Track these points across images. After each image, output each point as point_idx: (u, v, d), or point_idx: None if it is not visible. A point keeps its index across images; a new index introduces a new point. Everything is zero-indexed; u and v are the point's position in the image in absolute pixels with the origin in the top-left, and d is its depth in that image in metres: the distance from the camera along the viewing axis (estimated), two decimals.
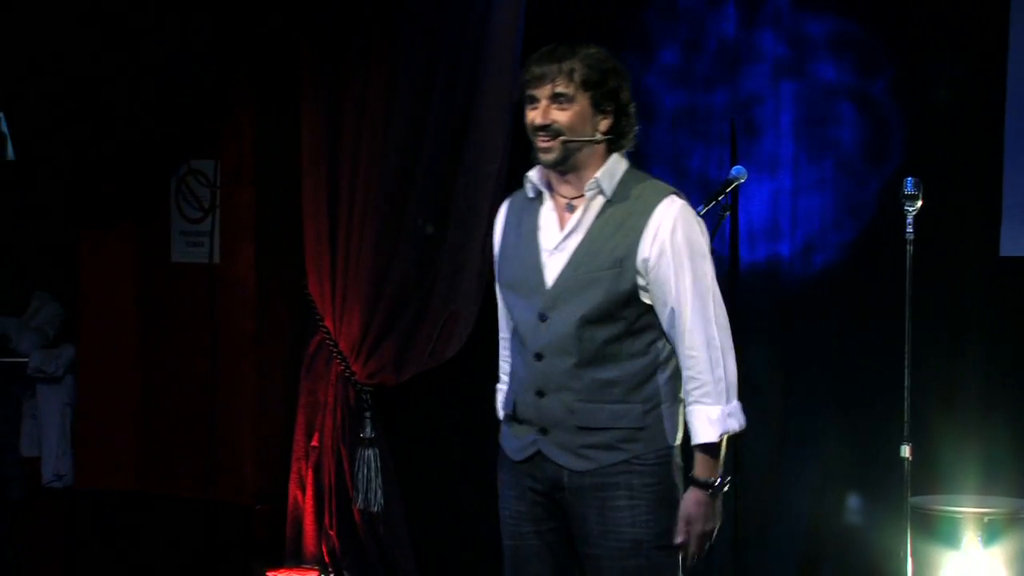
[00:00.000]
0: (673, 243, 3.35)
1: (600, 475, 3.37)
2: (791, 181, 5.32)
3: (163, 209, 6.11)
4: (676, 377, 3.42)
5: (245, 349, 5.93)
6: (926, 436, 4.67)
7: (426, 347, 5.67)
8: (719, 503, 3.40)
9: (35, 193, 7.08)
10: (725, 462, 3.42)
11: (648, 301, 3.38)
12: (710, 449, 3.37)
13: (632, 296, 3.36)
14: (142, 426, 6.17)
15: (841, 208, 5.27)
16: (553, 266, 3.41)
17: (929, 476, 4.79)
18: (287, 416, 5.94)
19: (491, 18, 5.44)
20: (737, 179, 4.60)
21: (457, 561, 5.81)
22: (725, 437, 3.38)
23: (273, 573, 5.80)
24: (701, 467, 3.38)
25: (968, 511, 4.65)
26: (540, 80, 3.36)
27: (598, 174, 3.40)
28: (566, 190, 3.44)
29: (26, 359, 6.61)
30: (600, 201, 3.41)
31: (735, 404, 3.39)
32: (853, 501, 5.21)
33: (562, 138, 3.37)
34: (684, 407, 3.42)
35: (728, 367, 3.39)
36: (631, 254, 3.35)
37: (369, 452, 5.71)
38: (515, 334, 3.49)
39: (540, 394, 3.40)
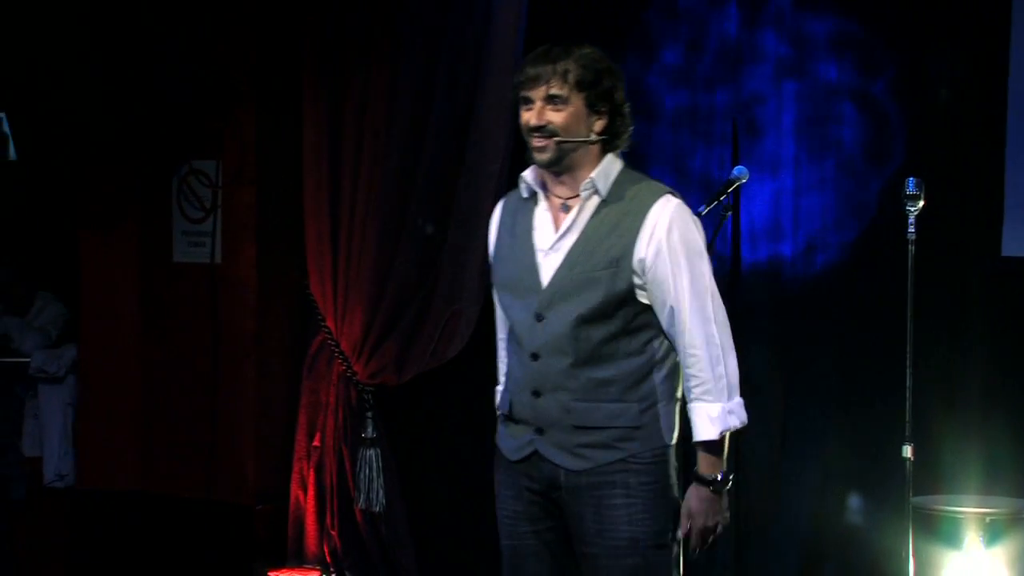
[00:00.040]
0: (670, 242, 3.36)
1: (597, 474, 3.38)
2: (792, 181, 5.31)
3: (165, 209, 6.11)
4: (672, 376, 3.44)
5: (247, 349, 5.93)
6: (928, 436, 4.67)
7: (428, 347, 5.67)
8: (724, 500, 3.41)
9: (37, 193, 7.08)
10: (728, 459, 3.42)
11: (644, 301, 3.39)
12: (711, 446, 3.38)
13: (628, 296, 3.37)
14: (144, 426, 6.17)
15: (843, 208, 5.27)
16: (548, 266, 3.41)
17: (931, 476, 4.79)
18: (289, 416, 5.94)
19: (492, 18, 5.44)
20: (739, 179, 4.60)
21: (459, 561, 5.81)
22: (727, 434, 3.39)
23: (275, 573, 5.80)
24: (703, 464, 3.39)
25: (970, 511, 4.65)
26: (534, 81, 3.37)
27: (593, 174, 3.41)
28: (561, 190, 3.45)
29: (28, 359, 6.62)
30: (595, 201, 3.42)
31: (736, 401, 3.40)
32: (854, 501, 5.21)
33: (556, 139, 3.37)
34: (682, 405, 3.44)
35: (729, 364, 3.40)
36: (627, 254, 3.36)
37: (371, 452, 5.71)
38: (511, 334, 3.50)
39: (536, 394, 3.41)
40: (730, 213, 4.76)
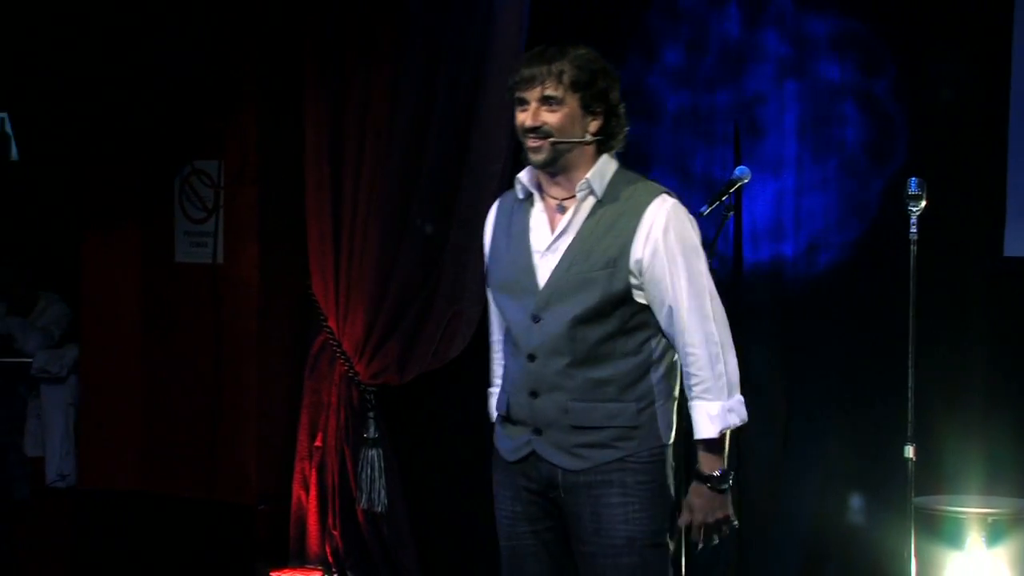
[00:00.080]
0: (666, 242, 3.36)
1: (594, 473, 3.39)
2: (795, 181, 5.31)
3: (167, 209, 6.11)
4: (669, 375, 3.45)
5: (249, 349, 5.94)
6: (930, 436, 4.66)
7: (430, 347, 5.67)
8: (726, 497, 3.42)
9: (39, 194, 7.09)
10: (728, 457, 3.44)
11: (642, 300, 3.39)
12: (711, 444, 3.39)
13: (625, 296, 3.38)
14: (145, 426, 6.17)
15: (845, 208, 5.27)
16: (545, 267, 3.42)
17: (933, 476, 4.79)
18: (290, 416, 5.95)
19: (494, 18, 5.44)
20: (741, 179, 4.60)
21: (461, 561, 5.81)
22: (728, 432, 3.40)
23: (277, 573, 5.80)
24: (703, 462, 3.41)
25: (972, 511, 4.65)
26: (530, 82, 3.38)
27: (588, 175, 3.42)
28: (556, 191, 3.46)
29: (30, 359, 6.62)
30: (591, 202, 3.43)
31: (736, 399, 3.41)
32: (857, 501, 5.21)
33: (552, 139, 3.39)
34: (680, 404, 3.45)
35: (728, 362, 3.40)
36: (624, 254, 3.37)
37: (373, 452, 5.71)
38: (508, 335, 3.51)
39: (534, 395, 3.42)
40: (732, 213, 4.76)
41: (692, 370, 3.38)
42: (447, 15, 5.58)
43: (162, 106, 6.00)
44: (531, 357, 3.41)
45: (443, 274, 5.62)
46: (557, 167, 3.42)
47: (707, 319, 3.37)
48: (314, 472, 5.86)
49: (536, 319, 3.40)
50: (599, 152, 3.45)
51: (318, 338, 5.88)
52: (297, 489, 5.90)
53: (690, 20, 5.46)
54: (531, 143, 3.40)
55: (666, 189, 3.46)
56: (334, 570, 5.82)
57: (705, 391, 3.38)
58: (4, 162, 7.66)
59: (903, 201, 4.26)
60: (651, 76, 5.48)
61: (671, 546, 3.46)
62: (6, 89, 6.70)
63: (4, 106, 7.37)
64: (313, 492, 5.86)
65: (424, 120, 5.63)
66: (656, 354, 3.42)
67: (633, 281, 3.37)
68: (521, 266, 3.45)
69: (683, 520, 3.43)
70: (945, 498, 4.78)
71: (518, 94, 3.41)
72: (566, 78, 3.36)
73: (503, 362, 3.60)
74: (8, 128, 7.57)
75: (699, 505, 3.41)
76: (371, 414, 5.74)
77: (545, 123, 3.38)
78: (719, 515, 3.41)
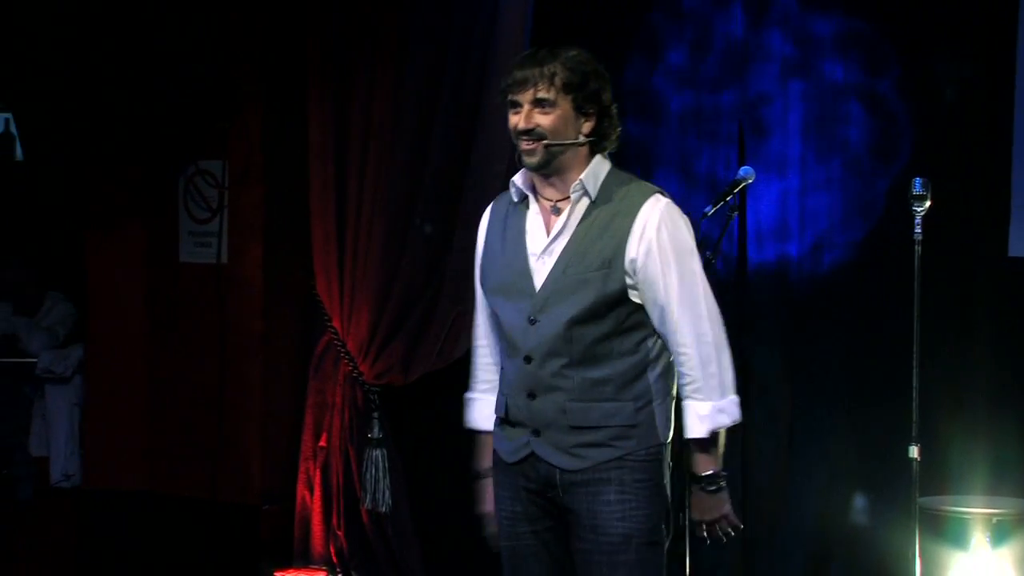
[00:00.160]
0: (659, 242, 3.37)
1: (592, 472, 3.40)
2: (799, 181, 5.31)
3: (171, 209, 6.12)
4: (666, 374, 3.45)
5: (253, 349, 5.94)
6: (935, 436, 4.66)
7: (434, 347, 5.67)
8: (719, 497, 3.43)
9: (44, 194, 7.10)
10: (722, 457, 3.44)
11: (637, 300, 3.40)
12: (702, 444, 3.41)
13: (621, 296, 3.38)
14: (150, 426, 6.18)
15: (849, 208, 5.26)
16: (541, 270, 3.43)
17: (938, 476, 4.78)
18: (295, 416, 5.95)
19: (498, 18, 5.44)
20: (745, 179, 4.59)
21: (464, 561, 5.81)
22: (721, 432, 3.40)
23: (281, 573, 5.80)
24: (695, 462, 3.43)
25: (977, 512, 4.65)
26: (522, 85, 3.39)
27: (582, 176, 3.42)
28: (551, 193, 3.47)
29: (35, 359, 6.63)
30: (585, 203, 3.44)
31: (729, 400, 3.41)
32: (861, 501, 5.20)
33: (545, 142, 3.39)
34: (677, 403, 3.46)
35: (722, 363, 3.40)
36: (619, 255, 3.38)
37: (377, 452, 5.71)
38: (504, 338, 3.51)
39: (531, 396, 3.42)
40: (736, 213, 4.75)
41: (684, 370, 3.40)
42: (451, 15, 5.57)
43: (166, 106, 6.01)
44: (528, 359, 3.42)
45: (447, 274, 5.62)
46: (551, 169, 3.43)
47: (700, 319, 3.38)
48: (318, 472, 5.86)
49: (532, 321, 3.41)
50: (592, 153, 3.46)
51: (322, 338, 5.88)
52: (301, 489, 5.90)
53: (694, 20, 5.46)
54: (524, 146, 3.41)
55: (659, 189, 3.47)
56: (338, 570, 5.82)
57: (696, 391, 3.39)
58: (9, 162, 7.68)
59: (907, 201, 4.26)
60: (655, 76, 5.48)
61: (667, 544, 3.47)
62: (11, 90, 6.71)
63: (9, 107, 7.39)
64: (317, 492, 5.86)
65: (428, 120, 5.63)
66: (653, 353, 3.43)
67: (628, 281, 3.38)
68: (517, 269, 3.46)
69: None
70: (950, 498, 4.77)
71: (511, 97, 3.42)
72: (558, 80, 3.37)
73: (486, 367, 3.62)
74: (13, 128, 7.60)
75: (694, 505, 3.45)
76: (375, 414, 5.75)
77: (538, 125, 3.39)
78: (715, 514, 3.43)
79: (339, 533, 5.83)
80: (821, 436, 5.28)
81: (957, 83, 5.09)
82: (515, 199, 3.52)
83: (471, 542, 5.79)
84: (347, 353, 5.80)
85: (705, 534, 3.47)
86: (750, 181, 4.60)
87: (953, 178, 4.92)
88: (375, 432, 5.73)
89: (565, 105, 3.39)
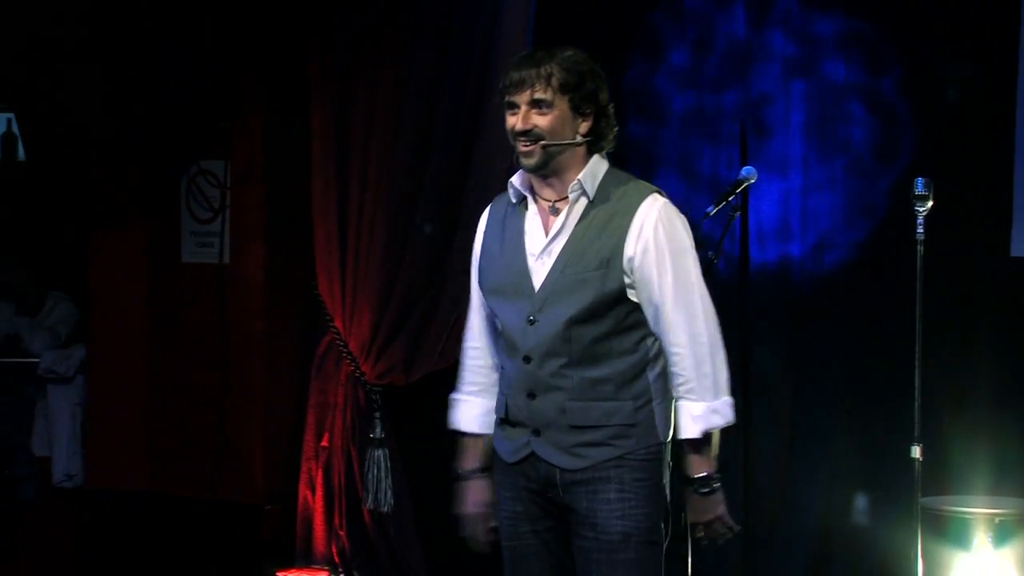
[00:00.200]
0: (656, 240, 3.38)
1: (592, 471, 3.40)
2: (801, 181, 5.31)
3: (173, 209, 6.12)
4: (666, 374, 3.45)
5: (255, 349, 5.94)
6: (937, 436, 4.66)
7: (436, 347, 5.67)
8: (712, 499, 3.42)
9: (46, 194, 7.10)
10: (720, 457, 3.43)
11: (636, 299, 3.41)
12: (695, 445, 3.41)
13: (620, 295, 3.39)
14: (152, 426, 6.18)
15: (851, 208, 5.26)
16: (540, 270, 3.43)
17: (940, 476, 4.78)
18: (297, 416, 5.95)
19: (500, 18, 5.44)
20: (747, 179, 4.59)
21: (467, 561, 5.80)
22: (715, 433, 3.40)
23: (283, 573, 5.80)
24: (688, 463, 3.42)
25: (979, 512, 4.65)
26: (519, 86, 3.40)
27: (580, 176, 3.43)
28: (549, 193, 3.47)
29: (37, 359, 6.63)
30: (583, 203, 3.44)
31: (723, 400, 3.40)
32: (863, 501, 5.20)
33: (542, 142, 3.40)
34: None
35: (716, 363, 3.40)
36: (617, 254, 3.38)
37: (379, 452, 5.71)
38: (503, 338, 3.51)
39: (531, 396, 3.43)
40: (739, 213, 4.75)
41: (677, 369, 3.40)
42: (453, 15, 5.58)
43: (168, 106, 6.01)
44: (527, 359, 3.42)
45: (449, 274, 5.62)
46: (549, 170, 3.44)
47: (695, 318, 3.38)
48: (320, 472, 5.86)
49: (532, 321, 3.41)
50: (590, 153, 3.46)
51: (324, 338, 5.89)
52: (303, 489, 5.90)
53: (696, 20, 5.46)
54: (522, 147, 3.42)
55: (657, 188, 3.47)
56: (340, 570, 5.82)
57: (689, 391, 3.39)
58: (12, 162, 7.68)
59: (910, 201, 4.26)
60: (657, 77, 5.48)
61: (666, 544, 3.47)
62: (13, 90, 6.71)
63: (11, 107, 7.39)
64: (319, 492, 5.86)
65: (430, 120, 5.63)
66: (652, 352, 3.43)
67: (626, 280, 3.39)
68: (516, 269, 3.46)
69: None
70: (952, 498, 4.77)
71: (508, 98, 3.43)
72: (555, 81, 3.38)
73: (475, 369, 3.62)
74: (15, 128, 7.60)
75: (689, 506, 3.44)
76: (377, 414, 5.75)
77: (535, 126, 3.39)
78: (709, 517, 3.43)
79: (341, 533, 5.83)
80: (823, 436, 5.28)
81: (959, 83, 5.08)
82: (513, 200, 3.53)
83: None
84: (349, 353, 5.80)
85: (700, 536, 3.45)
86: (752, 181, 4.60)
87: (955, 178, 4.91)
88: (377, 432, 5.73)
89: (562, 105, 3.39)
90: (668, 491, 3.46)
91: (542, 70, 3.38)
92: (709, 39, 5.43)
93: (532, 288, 3.43)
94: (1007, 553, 4.61)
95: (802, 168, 5.30)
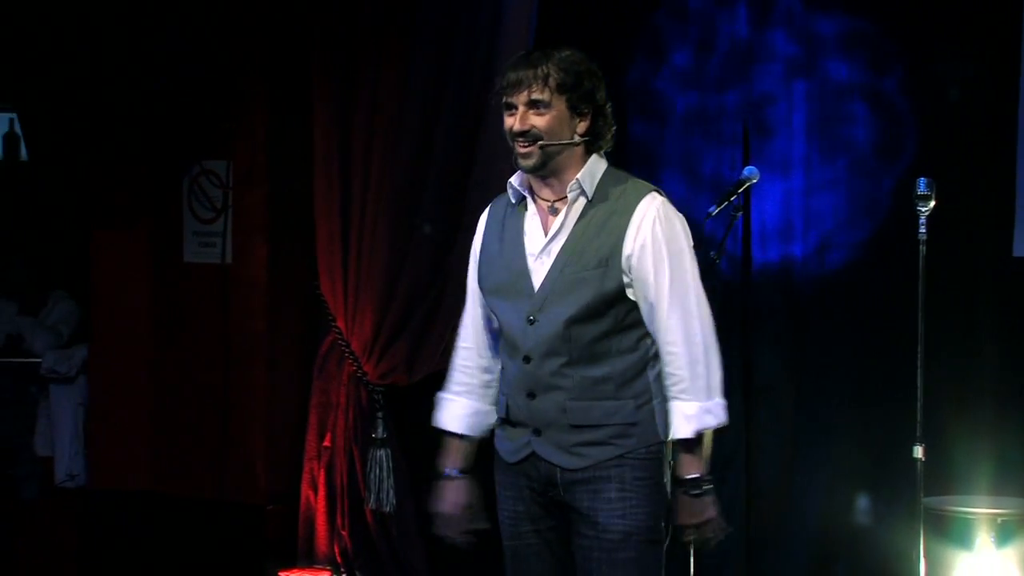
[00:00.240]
0: (654, 239, 3.38)
1: (593, 470, 3.40)
2: (803, 181, 5.31)
3: (176, 209, 6.12)
4: None
5: (257, 349, 5.94)
6: (939, 436, 4.66)
7: (438, 347, 5.67)
8: (703, 500, 3.39)
9: (48, 194, 7.10)
10: (708, 460, 3.42)
11: (634, 298, 3.40)
12: (688, 445, 3.39)
13: (619, 294, 3.39)
14: (154, 426, 6.18)
15: (854, 208, 5.26)
16: (539, 270, 3.43)
17: (942, 477, 4.78)
18: (299, 416, 5.95)
19: (503, 18, 5.44)
20: (749, 179, 4.59)
21: (468, 561, 5.80)
22: (707, 434, 3.39)
23: (285, 573, 5.80)
24: (681, 464, 3.41)
25: (981, 512, 4.65)
26: (516, 87, 3.40)
27: (578, 176, 3.43)
28: (548, 193, 3.47)
29: (39, 359, 6.63)
30: (582, 202, 3.44)
31: (716, 402, 3.39)
32: (866, 501, 5.20)
33: (541, 143, 3.40)
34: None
35: (710, 363, 3.39)
36: (616, 253, 3.38)
37: (381, 452, 5.71)
38: (503, 338, 3.51)
39: (531, 396, 3.43)
40: (741, 213, 4.75)
41: (671, 369, 3.38)
42: (455, 14, 5.57)
43: (171, 106, 6.01)
44: (527, 359, 3.42)
45: (451, 274, 5.62)
46: (547, 170, 3.44)
47: (690, 318, 3.37)
48: (323, 472, 5.86)
49: (531, 321, 3.41)
50: (588, 152, 3.46)
51: (327, 338, 5.89)
52: (306, 489, 5.90)
53: (698, 20, 5.46)
54: (520, 148, 3.42)
55: (656, 187, 3.47)
56: (343, 570, 5.82)
57: (683, 391, 3.37)
58: (14, 162, 7.68)
59: (912, 201, 4.26)
60: (659, 77, 5.48)
61: (667, 542, 3.46)
62: (15, 90, 6.71)
63: (14, 107, 7.40)
64: (322, 492, 5.86)
65: (432, 120, 5.63)
66: (652, 351, 3.42)
67: (625, 279, 3.39)
68: (516, 269, 3.46)
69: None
70: (954, 498, 4.77)
71: (505, 99, 3.43)
72: (552, 81, 3.38)
73: (464, 369, 3.61)
74: (18, 128, 7.60)
75: (679, 507, 3.41)
76: (379, 414, 5.75)
77: (533, 127, 3.39)
78: (700, 519, 3.40)
79: (343, 533, 5.83)
80: (825, 436, 5.28)
81: (962, 83, 5.09)
82: (513, 200, 3.53)
83: (475, 542, 5.80)
84: (351, 353, 5.80)
85: (691, 540, 3.42)
86: (754, 181, 4.61)
87: (958, 178, 4.92)
88: (379, 432, 5.73)
89: (560, 106, 3.39)
90: (669, 490, 3.46)
91: (539, 71, 3.38)
92: (711, 39, 5.43)
93: (532, 288, 3.43)
94: (1009, 553, 4.61)
95: (804, 168, 5.30)
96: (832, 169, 5.28)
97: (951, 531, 4.64)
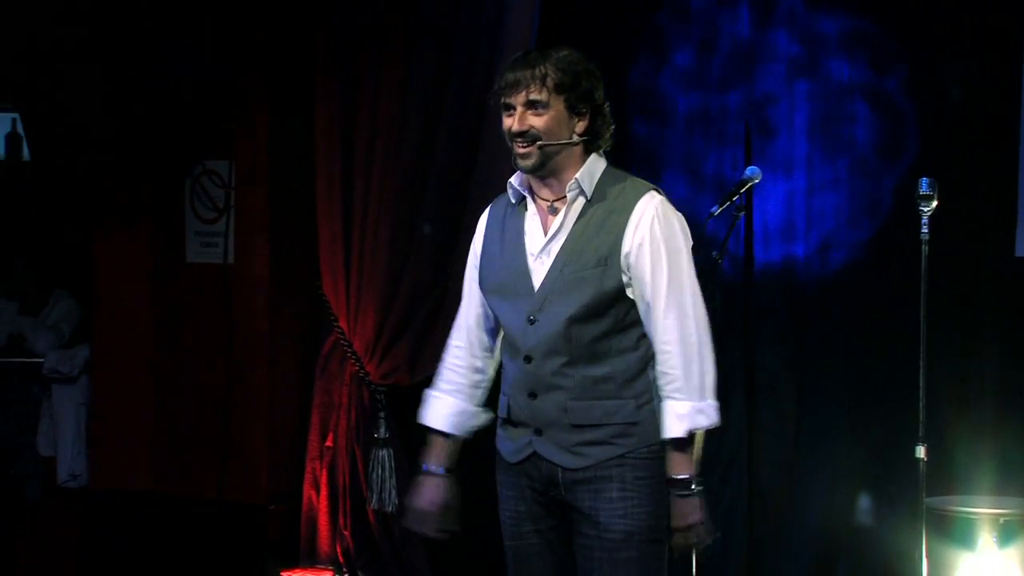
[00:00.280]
0: (651, 237, 3.38)
1: (594, 469, 3.40)
2: (806, 181, 5.31)
3: (178, 210, 6.12)
4: None
5: (259, 349, 5.94)
6: (941, 436, 4.66)
7: (440, 347, 5.64)
8: (693, 501, 3.38)
9: (50, 194, 7.10)
10: (697, 461, 3.41)
11: (633, 296, 3.40)
12: (678, 445, 3.38)
13: (619, 293, 3.39)
14: (156, 426, 6.18)
15: (856, 208, 5.26)
16: (539, 270, 3.44)
17: (944, 477, 4.78)
18: (301, 416, 5.95)
19: (505, 19, 5.44)
20: (751, 179, 4.59)
21: (470, 561, 5.81)
22: (699, 434, 3.39)
23: (287, 573, 5.80)
24: (671, 464, 3.39)
25: (983, 512, 4.65)
26: (514, 87, 3.41)
27: (578, 175, 3.44)
28: (547, 193, 3.48)
29: (42, 359, 6.63)
30: (581, 202, 3.45)
31: (709, 402, 3.39)
32: (868, 502, 5.20)
33: (539, 143, 3.40)
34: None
35: (704, 364, 3.39)
36: (615, 251, 3.39)
37: (383, 452, 5.71)
38: (504, 338, 3.53)
39: (532, 395, 3.43)
40: (743, 213, 4.76)
41: (664, 368, 3.38)
42: (457, 14, 5.58)
43: (173, 106, 6.01)
44: (528, 359, 3.43)
45: (453, 274, 5.62)
46: (546, 170, 3.44)
47: (686, 318, 3.37)
48: (325, 472, 5.87)
49: (532, 321, 3.42)
50: (587, 152, 3.47)
51: (329, 338, 5.89)
52: (308, 489, 5.90)
53: (700, 21, 5.46)
54: (519, 148, 3.42)
55: (655, 186, 3.48)
56: (345, 570, 5.82)
57: (676, 390, 3.37)
58: (16, 162, 7.69)
59: (914, 201, 4.26)
60: (661, 77, 5.48)
61: (668, 542, 3.46)
62: (18, 90, 6.71)
63: (16, 107, 7.40)
64: (324, 492, 5.87)
65: (435, 120, 5.63)
66: (653, 350, 3.42)
67: (624, 278, 3.39)
68: (516, 269, 3.47)
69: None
70: (957, 498, 4.77)
71: (504, 99, 3.44)
72: (550, 81, 3.38)
73: (454, 368, 3.62)
74: (20, 128, 7.60)
75: (672, 511, 3.40)
76: (382, 414, 5.75)
77: (532, 127, 3.40)
78: (687, 522, 3.39)
79: (345, 533, 5.84)
80: (827, 436, 5.28)
81: (964, 82, 5.09)
82: (513, 200, 3.54)
83: (477, 542, 5.81)
84: (353, 353, 5.80)
85: (678, 543, 3.40)
86: (756, 181, 4.61)
87: (960, 178, 4.92)
88: (381, 432, 5.73)
89: (558, 106, 3.40)
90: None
91: (537, 71, 3.39)
92: (713, 39, 5.43)
93: (532, 287, 3.44)
94: (1012, 553, 4.61)
95: (806, 168, 5.30)
96: (834, 169, 5.28)
97: (953, 531, 4.64)
